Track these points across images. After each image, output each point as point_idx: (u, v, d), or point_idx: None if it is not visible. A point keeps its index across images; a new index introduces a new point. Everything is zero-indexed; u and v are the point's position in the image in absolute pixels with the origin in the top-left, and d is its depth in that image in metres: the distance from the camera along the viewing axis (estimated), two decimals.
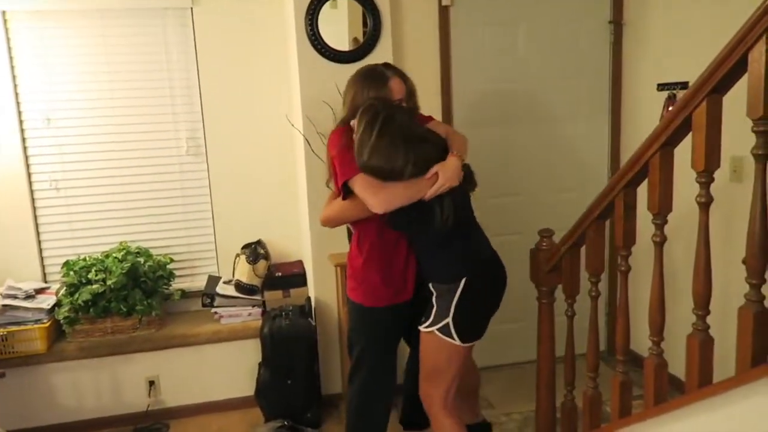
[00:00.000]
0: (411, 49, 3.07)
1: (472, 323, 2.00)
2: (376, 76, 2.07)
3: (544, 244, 2.26)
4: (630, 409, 1.89)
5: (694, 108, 1.49)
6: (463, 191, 2.00)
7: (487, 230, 3.51)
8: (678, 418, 1.61)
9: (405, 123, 1.92)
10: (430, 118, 2.23)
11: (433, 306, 2.01)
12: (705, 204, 1.52)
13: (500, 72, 3.23)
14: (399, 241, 2.09)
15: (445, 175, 1.89)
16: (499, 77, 3.24)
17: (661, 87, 3.00)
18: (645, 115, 3.16)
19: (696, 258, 1.54)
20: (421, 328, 2.04)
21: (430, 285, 2.04)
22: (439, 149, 1.96)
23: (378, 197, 1.88)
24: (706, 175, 1.50)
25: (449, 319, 1.95)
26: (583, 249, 2.11)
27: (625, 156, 3.34)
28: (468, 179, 2.00)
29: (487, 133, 3.26)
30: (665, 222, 1.68)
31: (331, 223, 2.14)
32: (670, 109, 2.88)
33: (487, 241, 2.12)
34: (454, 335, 1.95)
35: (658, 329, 1.71)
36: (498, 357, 3.49)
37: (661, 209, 1.66)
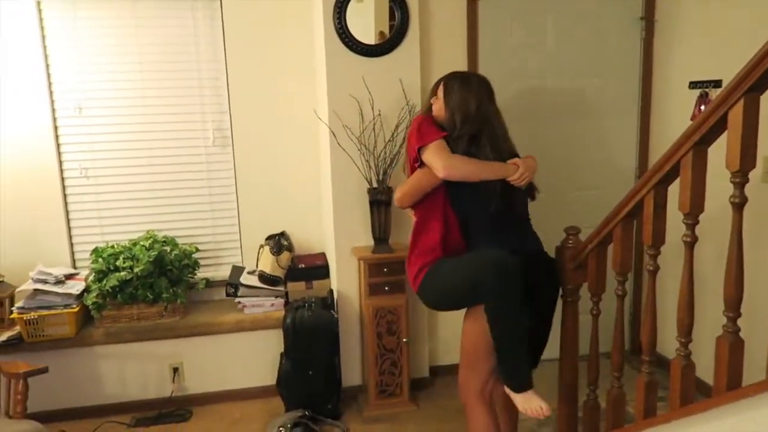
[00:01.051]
0: (438, 43, 3.06)
1: None
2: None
3: (570, 241, 2.24)
4: (655, 410, 1.87)
5: (730, 106, 1.46)
6: (524, 193, 2.15)
7: None
8: (705, 420, 1.59)
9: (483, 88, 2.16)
10: None
11: None
12: (739, 205, 1.49)
13: (527, 67, 3.21)
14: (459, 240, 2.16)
15: (525, 165, 2.07)
16: (527, 72, 3.21)
17: (693, 85, 2.94)
18: (675, 113, 3.11)
19: (728, 259, 1.52)
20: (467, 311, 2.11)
21: None
22: (507, 142, 2.19)
23: (443, 160, 2.02)
24: (740, 175, 1.47)
25: None
26: (609, 247, 2.09)
27: (654, 155, 3.30)
28: (531, 186, 2.19)
29: (512, 129, 3.19)
30: (696, 222, 1.66)
31: (406, 198, 2.20)
32: (702, 107, 2.85)
33: (538, 244, 2.20)
34: None
35: (686, 330, 1.69)
36: None
37: (693, 209, 1.64)
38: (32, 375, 2.34)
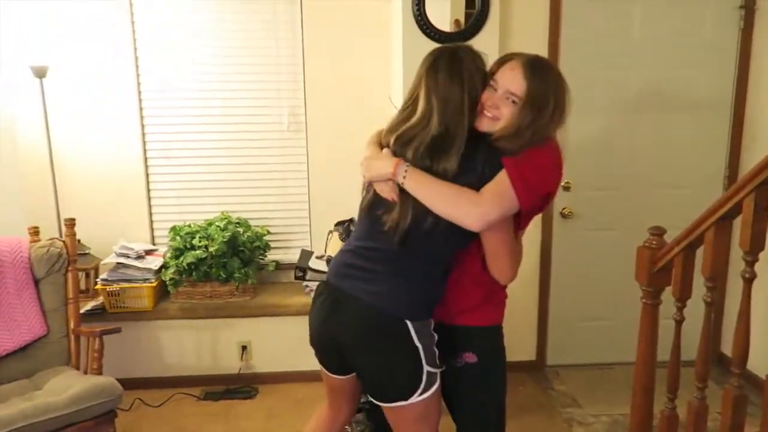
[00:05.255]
0: (518, 30, 2.99)
1: None
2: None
3: (654, 242, 2.13)
4: (742, 428, 1.76)
5: None
6: None
7: (580, 223, 3.38)
8: None
9: None
10: None
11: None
12: None
13: (611, 57, 3.07)
14: None
15: None
16: (610, 63, 3.08)
17: None
18: None
19: None
20: (408, 402, 1.58)
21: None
22: None
23: None
24: None
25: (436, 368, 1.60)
26: (699, 251, 1.97)
27: (747, 154, 3.10)
28: None
29: (592, 122, 3.12)
30: None
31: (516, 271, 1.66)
32: None
33: None
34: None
35: None
36: (583, 356, 3.37)
37: None
38: (106, 333, 2.47)
